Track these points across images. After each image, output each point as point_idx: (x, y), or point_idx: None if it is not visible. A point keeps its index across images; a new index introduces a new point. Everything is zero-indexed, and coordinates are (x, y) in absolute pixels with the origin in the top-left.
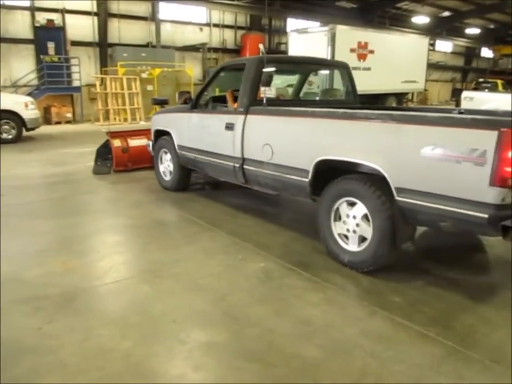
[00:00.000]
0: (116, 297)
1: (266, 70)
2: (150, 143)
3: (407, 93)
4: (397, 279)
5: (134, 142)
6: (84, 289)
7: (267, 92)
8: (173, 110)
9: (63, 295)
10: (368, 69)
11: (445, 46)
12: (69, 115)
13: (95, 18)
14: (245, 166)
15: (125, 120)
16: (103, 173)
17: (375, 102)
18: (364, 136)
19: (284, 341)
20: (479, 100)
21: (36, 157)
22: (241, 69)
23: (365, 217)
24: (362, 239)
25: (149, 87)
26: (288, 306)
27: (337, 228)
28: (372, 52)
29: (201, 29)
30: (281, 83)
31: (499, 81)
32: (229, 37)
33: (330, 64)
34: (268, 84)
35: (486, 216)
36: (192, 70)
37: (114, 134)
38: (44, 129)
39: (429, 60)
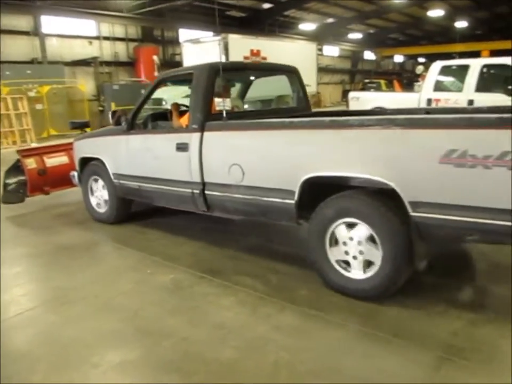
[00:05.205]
0: (19, 331)
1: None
2: (75, 174)
3: None
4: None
5: (52, 161)
6: None
7: (222, 104)
8: (103, 133)
9: None
10: None
11: (332, 50)
12: None
13: None
14: (206, 192)
15: (14, 143)
16: (15, 202)
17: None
18: (365, 146)
19: (200, 348)
20: (364, 99)
21: None
22: (185, 80)
23: (370, 238)
24: (368, 263)
25: (38, 106)
26: (201, 314)
27: (334, 254)
28: (264, 58)
29: (90, 42)
30: (178, 95)
31: (382, 81)
32: (121, 50)
33: (279, 69)
34: (226, 94)
35: None
36: (85, 85)
37: (27, 153)
38: None
39: (319, 64)
